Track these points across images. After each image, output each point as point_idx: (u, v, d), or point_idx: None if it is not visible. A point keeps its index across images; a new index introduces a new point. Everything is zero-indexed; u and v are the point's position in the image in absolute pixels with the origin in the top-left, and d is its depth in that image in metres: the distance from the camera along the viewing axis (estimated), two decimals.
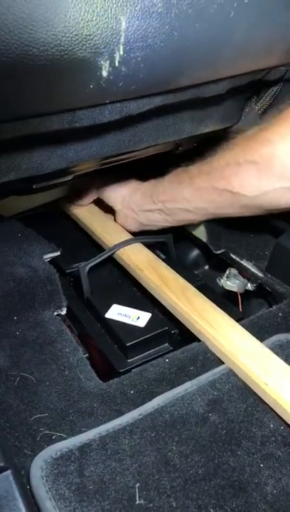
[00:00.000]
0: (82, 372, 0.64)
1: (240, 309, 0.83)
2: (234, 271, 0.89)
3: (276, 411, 0.56)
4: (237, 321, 0.69)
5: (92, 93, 0.48)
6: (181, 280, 0.76)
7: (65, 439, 0.54)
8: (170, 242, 0.87)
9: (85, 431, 0.55)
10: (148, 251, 0.83)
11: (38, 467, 0.49)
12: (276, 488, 0.50)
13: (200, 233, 0.96)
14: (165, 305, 0.73)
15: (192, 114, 0.68)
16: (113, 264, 0.85)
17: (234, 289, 0.86)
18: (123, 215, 0.89)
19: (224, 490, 0.50)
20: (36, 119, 0.50)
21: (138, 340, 0.69)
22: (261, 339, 0.65)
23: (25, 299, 0.76)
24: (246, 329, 0.67)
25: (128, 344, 0.69)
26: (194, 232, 0.96)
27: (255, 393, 0.59)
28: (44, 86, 0.45)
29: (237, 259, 0.88)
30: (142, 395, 0.60)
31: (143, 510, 0.47)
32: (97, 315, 0.76)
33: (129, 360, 0.69)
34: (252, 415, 0.57)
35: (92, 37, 0.43)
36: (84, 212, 0.97)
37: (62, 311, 0.77)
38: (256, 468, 0.52)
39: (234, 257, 0.88)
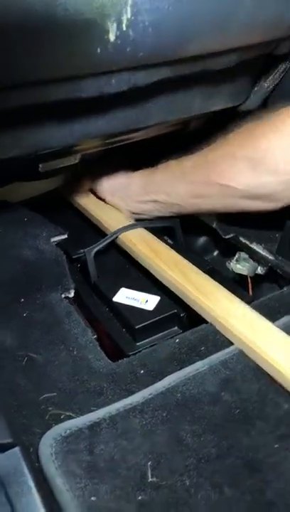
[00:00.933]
0: (90, 352, 0.63)
1: (250, 293, 0.81)
2: (244, 255, 0.87)
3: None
4: (247, 303, 0.67)
5: (98, 58, 0.46)
6: (186, 263, 0.74)
7: (73, 418, 0.53)
8: (177, 228, 0.86)
9: (95, 410, 0.54)
10: (152, 235, 0.82)
11: (48, 445, 0.48)
12: None
13: (209, 218, 0.94)
14: (171, 288, 0.72)
15: (201, 90, 0.67)
16: (119, 250, 0.84)
17: (244, 273, 0.84)
18: (113, 206, 0.90)
19: (238, 469, 0.48)
20: (41, 87, 0.49)
21: (147, 323, 0.68)
22: (272, 320, 0.64)
23: (32, 281, 0.75)
24: (257, 310, 0.65)
25: (137, 327, 0.67)
26: (202, 217, 0.95)
27: (268, 373, 0.57)
28: (49, 48, 0.43)
29: (247, 243, 0.86)
30: (152, 374, 0.59)
31: (156, 488, 0.46)
32: (105, 299, 0.75)
33: (138, 343, 0.67)
34: (266, 396, 0.55)
35: None
36: (87, 199, 0.95)
37: (69, 293, 0.75)
38: (271, 448, 0.50)
39: (243, 240, 0.87)
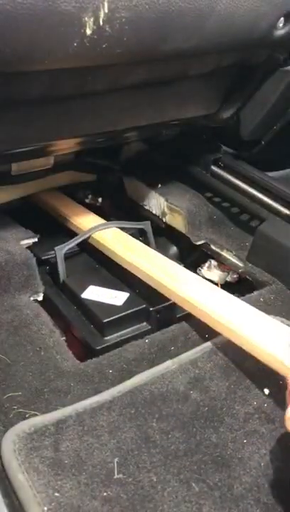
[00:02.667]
0: (58, 352, 0.61)
1: None
2: (214, 262, 0.88)
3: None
4: None
5: (75, 52, 0.47)
6: (161, 256, 0.74)
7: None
8: (148, 230, 0.86)
9: (61, 409, 0.52)
10: (124, 233, 0.82)
11: (10, 441, 0.46)
12: (260, 463, 0.48)
13: (180, 225, 0.95)
14: (148, 281, 0.71)
15: (174, 95, 0.68)
16: (89, 254, 0.83)
17: (215, 279, 0.85)
18: None
19: (206, 465, 0.47)
20: (15, 79, 0.49)
21: (116, 317, 0.67)
22: None
23: (0, 282, 0.73)
24: None
25: (104, 320, 0.66)
26: (174, 224, 0.95)
27: (237, 371, 0.57)
28: (26, 39, 0.44)
29: (218, 250, 0.87)
30: (121, 374, 0.58)
31: (122, 485, 0.44)
32: (74, 297, 0.73)
33: (106, 338, 0.66)
34: (235, 393, 0.55)
35: None
36: (59, 201, 0.95)
37: (38, 296, 0.74)
38: (240, 444, 0.50)
39: (214, 248, 0.88)
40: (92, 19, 0.45)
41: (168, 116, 0.71)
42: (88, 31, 0.46)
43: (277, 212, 0.87)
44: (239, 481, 0.46)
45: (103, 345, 0.65)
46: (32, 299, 0.73)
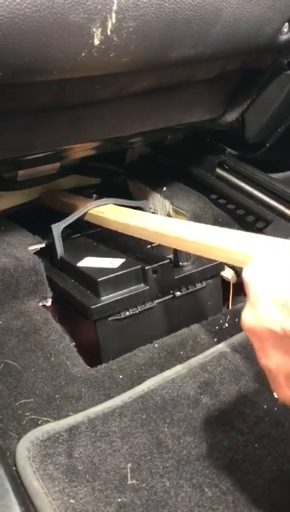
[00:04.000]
0: (68, 358, 0.62)
1: (230, 300, 0.82)
2: None
3: None
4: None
5: (83, 62, 0.47)
6: (157, 216, 0.73)
7: (51, 423, 0.52)
8: (146, 209, 0.86)
9: (73, 415, 0.53)
10: (122, 207, 0.81)
11: (25, 448, 0.47)
12: (271, 467, 0.48)
13: None
14: (141, 236, 0.70)
15: (180, 100, 0.69)
16: (87, 236, 0.84)
17: (229, 277, 0.85)
18: None
19: (218, 470, 0.48)
20: (24, 88, 0.49)
21: (110, 276, 0.67)
22: None
23: (9, 288, 0.74)
24: (233, 316, 0.66)
25: (99, 279, 0.66)
26: None
27: (246, 374, 0.58)
28: (35, 51, 0.44)
29: None
30: (131, 379, 0.59)
31: (136, 490, 0.45)
32: (71, 269, 0.74)
33: (102, 298, 0.66)
34: (245, 396, 0.55)
35: (84, 1, 0.43)
36: (64, 196, 0.96)
37: (47, 302, 0.75)
38: (251, 448, 0.50)
39: None
40: (99, 30, 0.46)
41: (174, 121, 0.71)
42: (96, 41, 0.46)
43: (283, 214, 0.87)
44: (251, 485, 0.46)
45: (98, 305, 0.64)
46: (41, 304, 0.74)
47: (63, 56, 0.46)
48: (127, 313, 0.67)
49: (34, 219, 0.97)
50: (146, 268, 0.68)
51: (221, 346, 0.62)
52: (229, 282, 0.84)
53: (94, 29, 0.45)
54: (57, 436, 0.49)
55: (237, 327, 0.66)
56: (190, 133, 0.83)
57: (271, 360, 0.34)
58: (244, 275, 0.35)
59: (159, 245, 0.75)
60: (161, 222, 0.70)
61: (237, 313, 0.66)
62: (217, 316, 0.69)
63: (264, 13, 0.56)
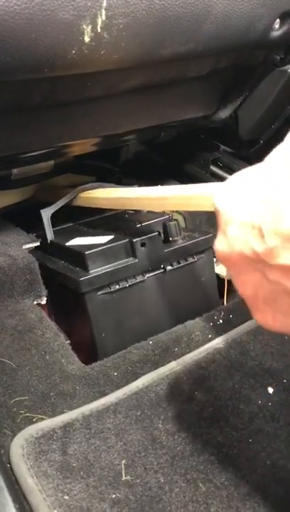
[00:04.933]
0: (63, 356, 0.62)
1: (225, 296, 0.82)
2: None
3: None
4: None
5: (74, 59, 0.47)
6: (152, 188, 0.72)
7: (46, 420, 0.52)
8: None
9: (67, 412, 0.53)
10: (110, 188, 0.81)
11: (19, 445, 0.47)
12: (265, 462, 0.49)
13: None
14: (131, 205, 0.70)
15: (173, 98, 0.69)
16: (79, 225, 0.84)
17: (223, 274, 0.85)
18: None
19: (213, 465, 0.48)
20: (15, 86, 0.49)
21: (98, 249, 0.66)
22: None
23: (4, 287, 0.74)
24: (230, 312, 0.66)
25: (86, 252, 0.66)
26: None
27: (241, 370, 0.58)
28: (25, 48, 0.44)
29: None
30: (126, 376, 0.59)
31: (130, 486, 0.45)
32: (61, 251, 0.74)
33: (91, 271, 0.66)
34: (239, 392, 0.56)
35: None
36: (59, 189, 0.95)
37: (41, 300, 0.75)
38: (245, 443, 0.50)
39: None
40: (90, 27, 0.46)
41: (167, 118, 0.71)
42: (86, 39, 0.46)
43: None
44: (245, 480, 0.46)
45: (86, 277, 0.64)
46: (35, 302, 0.74)
47: (53, 53, 0.46)
48: (117, 286, 0.66)
49: (28, 218, 0.98)
50: (134, 241, 0.68)
51: (215, 342, 0.62)
52: (223, 279, 0.84)
53: (84, 26, 0.45)
54: (51, 434, 0.49)
55: (231, 323, 0.66)
56: (183, 130, 0.83)
57: (248, 285, 0.32)
58: (215, 203, 0.34)
59: (149, 224, 0.75)
60: (146, 190, 0.68)
61: (232, 310, 0.67)
62: (211, 313, 0.70)
63: (255, 10, 0.56)
